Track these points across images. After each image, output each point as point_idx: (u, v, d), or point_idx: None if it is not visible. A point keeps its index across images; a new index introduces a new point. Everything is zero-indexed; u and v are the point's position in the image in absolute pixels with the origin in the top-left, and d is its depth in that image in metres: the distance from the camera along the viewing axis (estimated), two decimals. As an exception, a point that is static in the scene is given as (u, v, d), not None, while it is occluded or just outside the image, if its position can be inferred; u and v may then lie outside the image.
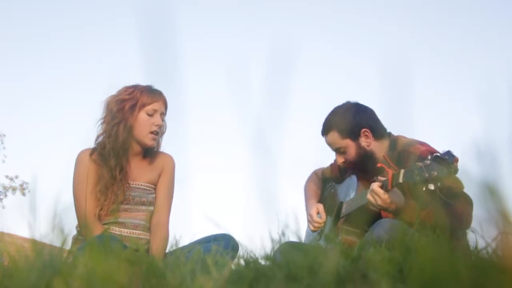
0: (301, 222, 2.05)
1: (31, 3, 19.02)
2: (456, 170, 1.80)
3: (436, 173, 1.79)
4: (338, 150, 2.35)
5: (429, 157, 1.85)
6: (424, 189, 1.82)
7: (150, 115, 2.23)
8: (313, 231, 2.44)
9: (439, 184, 1.81)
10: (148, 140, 2.23)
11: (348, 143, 2.30)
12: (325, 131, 2.38)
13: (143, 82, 2.33)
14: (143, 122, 2.22)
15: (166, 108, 2.30)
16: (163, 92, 2.30)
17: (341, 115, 2.34)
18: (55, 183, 2.30)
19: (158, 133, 2.26)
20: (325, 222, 2.43)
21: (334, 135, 2.33)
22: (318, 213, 2.43)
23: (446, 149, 1.86)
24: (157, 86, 2.31)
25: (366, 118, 2.32)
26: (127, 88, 2.27)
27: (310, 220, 2.44)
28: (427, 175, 1.80)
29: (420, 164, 1.85)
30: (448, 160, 1.80)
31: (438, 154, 1.83)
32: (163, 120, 2.28)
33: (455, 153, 1.82)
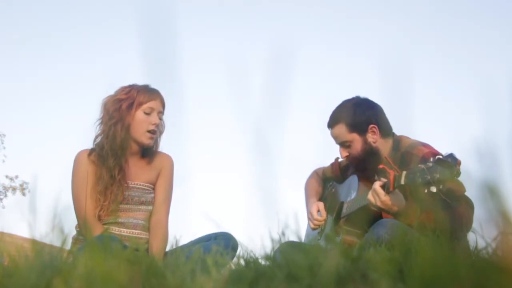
0: (301, 222, 2.05)
1: (31, 3, 19.02)
2: (458, 173, 1.78)
3: (438, 176, 1.78)
4: (343, 144, 2.33)
5: (432, 159, 1.84)
6: (426, 191, 1.81)
7: (147, 114, 2.23)
8: (313, 229, 2.44)
9: (441, 186, 1.80)
10: (145, 139, 2.23)
11: (355, 138, 2.28)
12: (332, 123, 2.35)
13: (141, 82, 2.33)
14: (140, 121, 2.21)
15: (163, 107, 2.30)
16: (160, 91, 2.30)
17: (350, 108, 2.30)
18: (55, 183, 2.31)
19: (155, 132, 2.25)
20: (325, 221, 2.43)
21: (341, 128, 2.30)
22: (318, 211, 2.43)
23: (448, 152, 1.85)
24: (157, 86, 2.31)
25: (375, 114, 2.29)
26: (123, 88, 2.27)
27: (310, 218, 2.43)
28: (429, 177, 1.79)
29: (422, 166, 1.83)
30: (450, 163, 1.78)
31: (441, 157, 1.82)
32: (160, 119, 2.28)
33: (457, 155, 1.81)
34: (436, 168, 1.79)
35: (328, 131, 2.40)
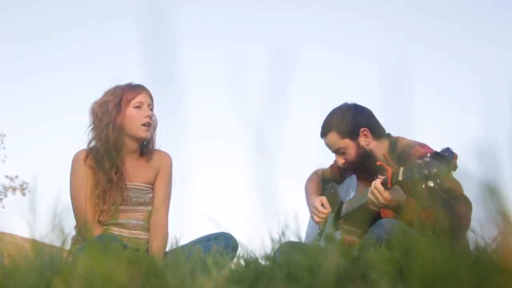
0: (301, 222, 2.05)
1: (31, 3, 19.03)
2: (455, 167, 1.80)
3: (435, 170, 1.79)
4: (338, 151, 2.35)
5: (429, 154, 1.85)
6: (423, 186, 1.82)
7: (138, 108, 2.22)
8: (318, 223, 2.45)
9: (438, 181, 1.81)
10: (142, 132, 2.23)
11: (348, 143, 2.30)
12: (324, 132, 2.38)
13: (133, 79, 2.32)
14: (132, 117, 2.21)
15: (151, 99, 2.30)
16: (145, 85, 2.30)
17: (340, 116, 2.35)
18: (55, 183, 2.31)
19: (150, 124, 2.25)
20: (325, 221, 2.43)
21: (333, 136, 2.33)
22: (322, 204, 2.43)
23: (445, 146, 1.86)
24: (157, 86, 2.31)
25: (364, 118, 2.32)
26: (108, 90, 2.27)
27: (314, 212, 2.43)
28: (426, 172, 1.80)
29: (420, 161, 1.85)
30: (447, 157, 1.79)
31: (438, 151, 1.83)
32: (151, 110, 2.27)
33: (454, 150, 1.82)
34: (433, 162, 1.80)
35: (322, 142, 2.42)
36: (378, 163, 2.07)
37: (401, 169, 1.92)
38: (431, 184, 1.80)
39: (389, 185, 1.97)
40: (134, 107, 2.22)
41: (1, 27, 19.30)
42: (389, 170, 1.98)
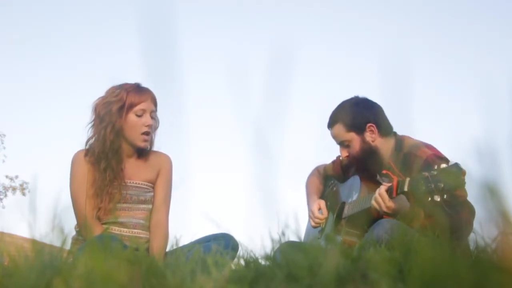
0: (301, 222, 2.05)
1: (31, 3, 19.03)
2: (463, 183, 1.78)
3: (442, 185, 1.78)
4: (342, 144, 2.34)
5: (436, 167, 1.84)
6: (429, 199, 1.81)
7: (139, 116, 2.21)
8: (314, 227, 2.44)
9: (445, 196, 1.80)
10: (140, 142, 2.22)
11: (353, 137, 2.29)
12: (331, 123, 2.37)
13: (133, 80, 2.29)
14: (133, 124, 2.20)
15: (155, 105, 2.28)
16: (151, 89, 2.28)
17: (348, 108, 2.33)
18: (55, 183, 2.31)
19: (149, 133, 2.25)
20: (326, 220, 2.43)
21: (339, 128, 2.32)
22: (319, 209, 2.43)
23: (454, 161, 1.85)
24: (157, 86, 2.30)
25: (373, 113, 2.30)
26: (114, 89, 2.24)
27: (311, 216, 2.43)
28: (433, 186, 1.79)
29: (427, 174, 1.83)
30: (455, 172, 1.78)
31: (446, 166, 1.82)
32: (153, 117, 2.26)
33: (462, 165, 1.80)
34: (441, 177, 1.79)
35: (328, 132, 2.41)
36: (384, 171, 2.07)
37: (407, 179, 1.92)
38: (437, 198, 1.79)
39: (394, 195, 1.96)
40: (136, 115, 2.20)
41: (1, 27, 19.31)
42: (395, 180, 1.98)
